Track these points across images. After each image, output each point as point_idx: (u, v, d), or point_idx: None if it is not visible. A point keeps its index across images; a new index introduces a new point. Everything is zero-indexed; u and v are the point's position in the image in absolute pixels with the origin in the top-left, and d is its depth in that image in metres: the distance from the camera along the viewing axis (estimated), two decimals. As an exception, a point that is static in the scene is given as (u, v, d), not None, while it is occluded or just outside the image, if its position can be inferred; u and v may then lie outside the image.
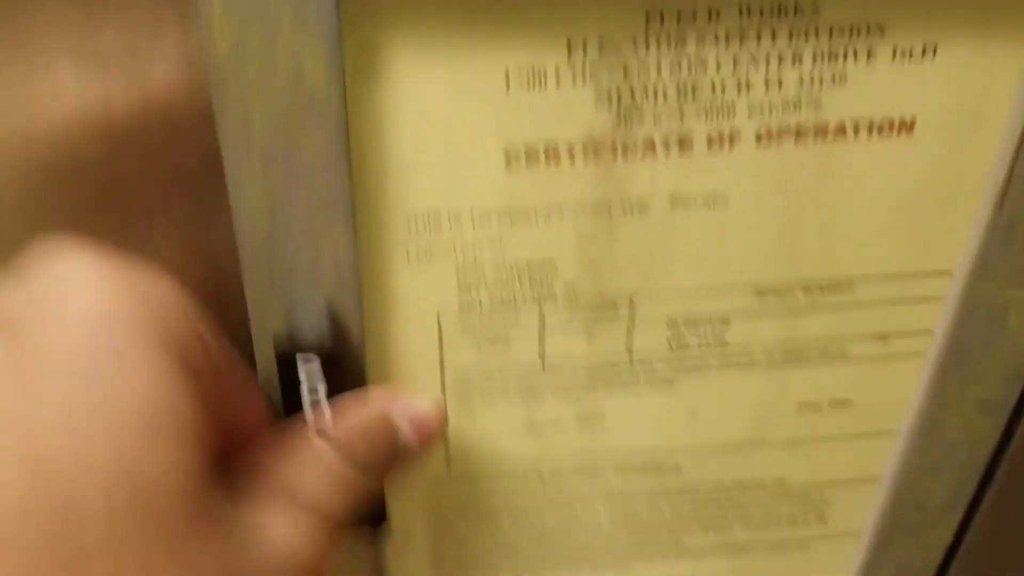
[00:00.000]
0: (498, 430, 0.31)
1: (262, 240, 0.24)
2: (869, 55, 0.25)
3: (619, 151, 0.26)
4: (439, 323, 0.28)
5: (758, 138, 0.26)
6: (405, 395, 0.29)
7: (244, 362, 0.25)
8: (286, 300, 0.25)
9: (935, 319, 0.31)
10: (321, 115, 0.22)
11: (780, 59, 0.25)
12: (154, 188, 0.26)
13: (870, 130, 0.27)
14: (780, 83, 0.25)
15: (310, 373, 0.26)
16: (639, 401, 0.31)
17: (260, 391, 0.26)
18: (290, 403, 0.26)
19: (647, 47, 0.24)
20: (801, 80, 0.26)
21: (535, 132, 0.25)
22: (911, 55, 0.25)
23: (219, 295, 0.27)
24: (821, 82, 0.26)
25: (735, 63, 0.25)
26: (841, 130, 0.26)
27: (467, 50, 0.24)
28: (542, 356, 0.30)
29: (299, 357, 0.25)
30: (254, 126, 0.22)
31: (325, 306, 0.25)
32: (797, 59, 0.25)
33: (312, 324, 0.25)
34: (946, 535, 0.35)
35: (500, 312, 0.28)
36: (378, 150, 0.25)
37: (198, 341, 0.22)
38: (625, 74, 0.25)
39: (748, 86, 0.25)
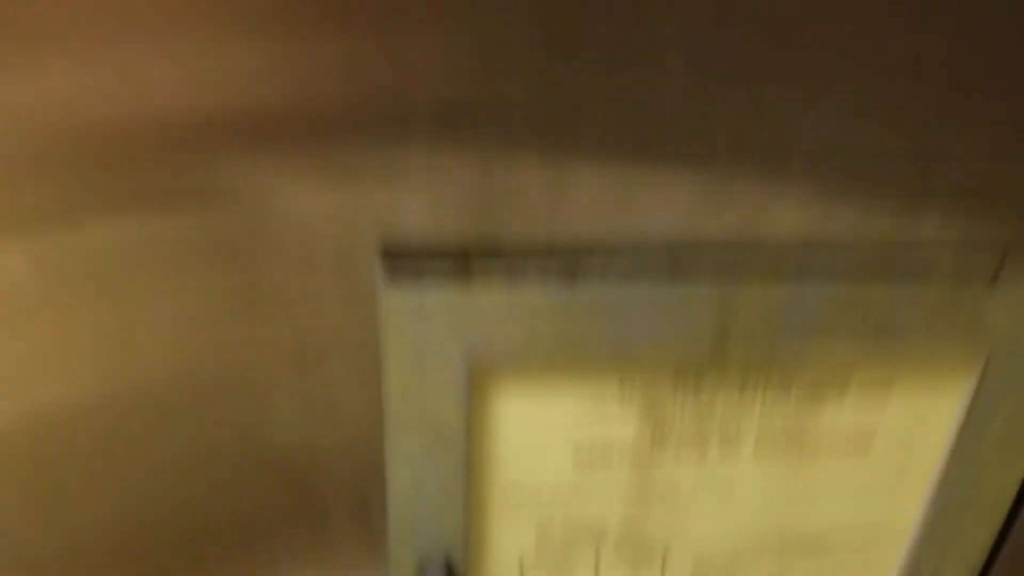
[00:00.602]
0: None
1: (408, 514, 0.35)
2: (840, 389, 0.36)
3: (654, 456, 0.36)
4: (521, 562, 0.39)
5: (756, 448, 0.37)
6: None
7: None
8: (418, 554, 0.36)
9: (891, 567, 0.40)
10: (454, 438, 0.34)
11: (772, 390, 0.35)
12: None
13: (841, 445, 0.37)
14: (772, 411, 0.36)
15: None
16: (668, 617, 0.41)
17: None
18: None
19: (675, 388, 0.35)
20: (787, 408, 0.36)
21: (595, 441, 0.36)
22: (873, 386, 0.36)
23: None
24: (804, 410, 0.36)
25: (740, 393, 0.35)
26: (818, 445, 0.37)
27: (550, 394, 0.34)
28: (596, 584, 0.40)
29: None
30: (411, 446, 0.33)
31: (445, 557, 0.36)
32: (785, 391, 0.36)
33: (435, 571, 0.36)
34: None
35: (566, 552, 0.39)
36: (486, 452, 0.35)
37: None
38: (659, 403, 0.35)
39: (748, 412, 0.36)
